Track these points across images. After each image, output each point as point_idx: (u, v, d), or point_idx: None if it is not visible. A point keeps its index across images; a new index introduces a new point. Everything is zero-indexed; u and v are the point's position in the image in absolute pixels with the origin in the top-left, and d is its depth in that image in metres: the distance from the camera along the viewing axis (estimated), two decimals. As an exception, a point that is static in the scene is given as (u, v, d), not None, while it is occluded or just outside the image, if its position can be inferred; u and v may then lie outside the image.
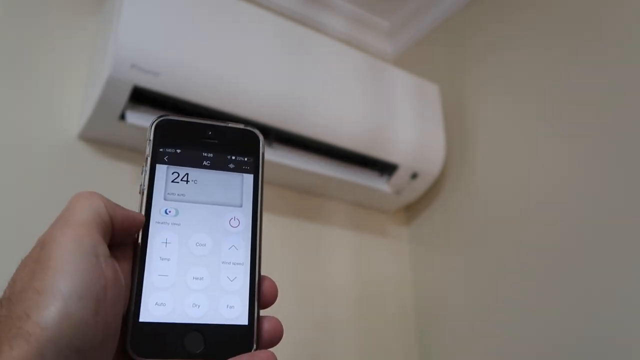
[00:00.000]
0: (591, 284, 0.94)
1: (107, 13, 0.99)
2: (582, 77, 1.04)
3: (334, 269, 1.21)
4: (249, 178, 0.36)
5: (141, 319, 0.30)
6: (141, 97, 0.92)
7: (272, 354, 0.31)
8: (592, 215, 0.96)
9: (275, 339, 0.33)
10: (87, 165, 0.98)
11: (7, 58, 0.96)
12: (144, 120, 0.92)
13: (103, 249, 0.29)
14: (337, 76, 1.11)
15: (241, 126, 0.37)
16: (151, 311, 0.31)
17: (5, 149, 0.91)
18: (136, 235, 0.33)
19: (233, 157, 0.36)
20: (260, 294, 0.33)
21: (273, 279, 0.34)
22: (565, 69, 1.07)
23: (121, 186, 0.99)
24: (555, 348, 0.97)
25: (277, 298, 0.34)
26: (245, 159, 0.36)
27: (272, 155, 1.05)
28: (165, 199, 0.34)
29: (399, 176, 1.19)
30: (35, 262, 0.27)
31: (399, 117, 1.17)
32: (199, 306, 0.32)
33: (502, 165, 1.16)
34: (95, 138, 0.99)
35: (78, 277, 0.27)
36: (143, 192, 0.34)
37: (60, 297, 0.26)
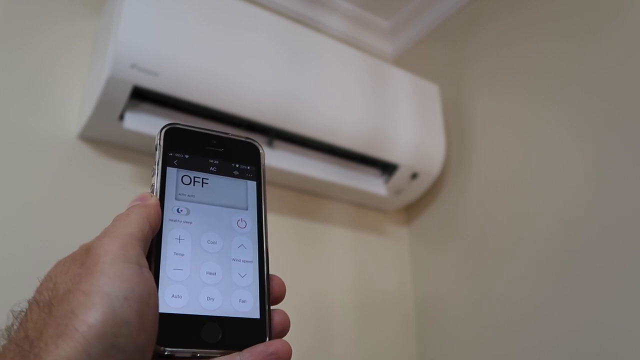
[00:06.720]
0: (593, 285, 0.94)
1: (107, 13, 0.99)
2: (583, 76, 1.04)
3: (334, 269, 1.21)
4: (252, 184, 0.38)
5: (159, 310, 0.31)
6: (141, 97, 0.92)
7: (286, 342, 0.33)
8: (593, 214, 0.96)
9: (285, 330, 0.35)
10: (87, 165, 0.98)
11: (6, 58, 0.96)
12: (142, 124, 0.93)
13: (145, 262, 0.31)
14: (337, 76, 1.11)
15: (242, 138, 0.40)
16: (168, 303, 0.32)
17: (6, 149, 0.91)
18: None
19: (237, 165, 0.38)
20: (270, 289, 0.35)
21: None
22: (565, 68, 1.07)
23: (121, 186, 0.99)
24: (555, 349, 0.97)
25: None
26: (248, 167, 0.39)
27: (273, 155, 1.05)
28: (176, 199, 0.36)
29: (399, 176, 1.19)
30: (80, 266, 0.29)
31: (399, 117, 1.17)
32: (213, 299, 0.33)
33: (502, 164, 1.16)
34: (95, 138, 0.99)
35: (124, 280, 0.28)
36: (156, 192, 0.35)
37: (107, 297, 0.27)
